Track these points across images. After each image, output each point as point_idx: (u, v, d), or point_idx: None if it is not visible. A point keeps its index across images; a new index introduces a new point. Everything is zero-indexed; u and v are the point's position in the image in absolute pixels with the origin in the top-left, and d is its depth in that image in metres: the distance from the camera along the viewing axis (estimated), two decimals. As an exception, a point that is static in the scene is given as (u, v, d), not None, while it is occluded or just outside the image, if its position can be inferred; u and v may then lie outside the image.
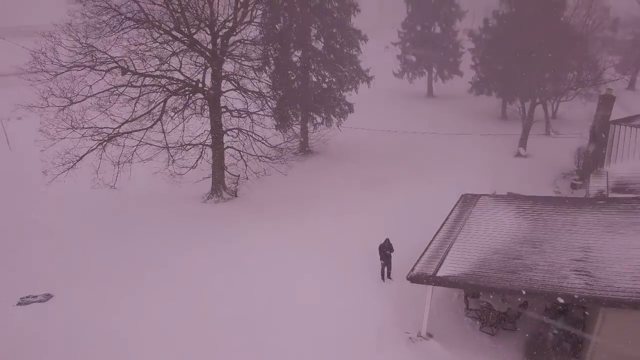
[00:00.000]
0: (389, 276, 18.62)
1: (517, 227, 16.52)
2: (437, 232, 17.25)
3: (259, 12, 26.55)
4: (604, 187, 20.08)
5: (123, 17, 21.48)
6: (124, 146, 22.91)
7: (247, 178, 26.43)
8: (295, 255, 20.34)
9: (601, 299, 12.04)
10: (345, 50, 31.00)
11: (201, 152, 25.07)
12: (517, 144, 33.05)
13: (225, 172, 26.32)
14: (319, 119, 31.97)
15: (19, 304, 17.28)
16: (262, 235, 22.08)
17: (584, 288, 12.46)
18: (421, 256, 15.74)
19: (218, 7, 23.72)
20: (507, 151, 33.10)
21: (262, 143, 26.17)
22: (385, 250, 18.24)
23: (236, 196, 26.36)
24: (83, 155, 22.02)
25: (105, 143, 22.42)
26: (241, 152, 25.60)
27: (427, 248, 16.24)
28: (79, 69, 21.32)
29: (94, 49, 21.37)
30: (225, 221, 23.53)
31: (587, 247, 14.40)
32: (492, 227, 16.86)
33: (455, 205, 19.34)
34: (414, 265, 15.20)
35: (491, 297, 15.60)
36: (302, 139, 32.48)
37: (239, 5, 23.72)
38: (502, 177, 27.46)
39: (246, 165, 25.86)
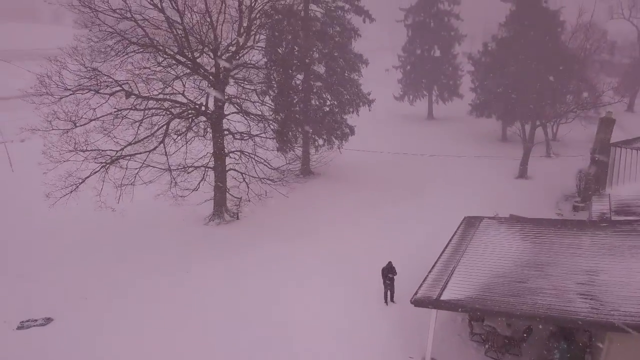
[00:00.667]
0: (392, 299, 18.46)
1: (520, 250, 16.45)
2: (440, 255, 17.17)
3: (262, 36, 26.95)
4: (607, 210, 20.05)
5: (128, 41, 21.78)
6: (126, 168, 22.98)
7: (249, 200, 26.44)
8: (297, 277, 20.21)
9: (607, 323, 11.92)
10: (346, 74, 31.38)
11: (203, 175, 25.16)
12: (519, 166, 33.12)
13: (227, 194, 26.35)
14: (320, 141, 32.15)
15: (18, 327, 17.11)
16: (263, 257, 21.97)
17: (590, 312, 12.35)
18: (425, 279, 15.64)
19: (222, 31, 24.07)
20: (508, 173, 33.16)
21: (265, 165, 26.27)
22: (388, 273, 18.12)
23: (238, 218, 26.33)
24: (86, 178, 22.06)
25: (108, 165, 22.48)
26: (243, 174, 25.68)
27: (430, 271, 16.15)
28: (84, 92, 21.51)
29: (99, 72, 21.60)
30: (226, 244, 23.46)
31: (592, 270, 14.31)
32: (495, 250, 16.79)
33: (458, 227, 19.29)
34: (418, 289, 15.08)
35: (496, 321, 15.45)
36: (303, 161, 32.60)
37: (242, 30, 24.08)
38: (504, 199, 27.45)
39: (248, 187, 25.91)
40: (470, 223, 19.44)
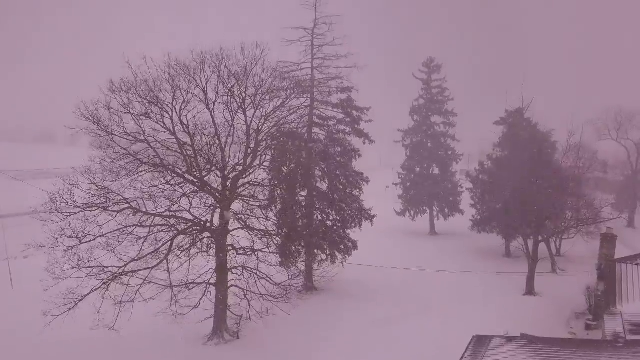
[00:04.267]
0: None
1: (534, 373, 15.61)
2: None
3: (268, 156, 28.29)
4: (621, 329, 19.41)
5: (140, 162, 22.87)
6: (127, 285, 22.72)
7: (249, 318, 25.67)
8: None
9: None
10: (348, 191, 32.34)
11: (205, 291, 24.75)
12: (525, 281, 32.57)
13: (228, 312, 25.67)
14: (323, 256, 32.08)
15: None
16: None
17: None
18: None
19: (229, 152, 25.36)
20: (515, 289, 32.51)
21: (267, 281, 25.95)
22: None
23: (238, 337, 25.35)
24: (86, 295, 21.70)
25: (109, 282, 22.26)
26: (245, 291, 25.26)
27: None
28: (92, 209, 22.08)
29: (109, 191, 22.34)
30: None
31: (612, 395, 13.47)
32: (508, 373, 15.93)
33: (468, 347, 18.47)
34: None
35: None
36: (306, 277, 32.21)
37: (249, 152, 25.37)
38: (512, 317, 26.61)
39: (249, 305, 25.31)
40: (480, 342, 18.64)
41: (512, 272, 35.08)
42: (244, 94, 24.82)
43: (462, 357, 17.74)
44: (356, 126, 33.39)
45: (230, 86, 24.27)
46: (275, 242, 27.47)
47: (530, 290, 32.20)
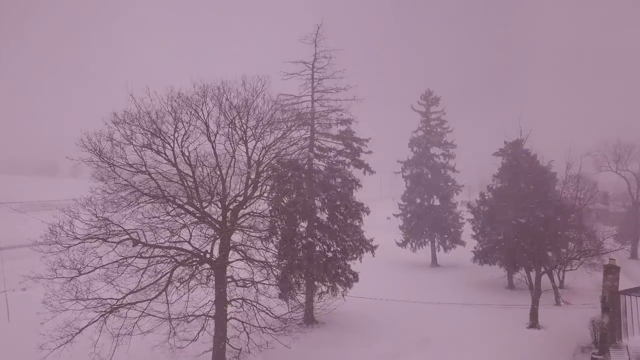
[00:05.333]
0: None
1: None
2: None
3: (268, 187, 28.36)
4: (627, 363, 19.04)
5: (140, 193, 22.94)
6: (125, 317, 22.41)
7: (249, 352, 25.22)
8: None
9: None
10: (348, 221, 32.25)
11: (203, 324, 24.39)
12: (529, 314, 32.09)
13: (227, 345, 25.21)
14: (324, 288, 31.74)
15: None
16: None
17: None
18: None
19: (230, 183, 25.46)
20: (519, 322, 32.00)
21: (266, 313, 25.61)
22: None
23: (236, 373, 24.84)
24: (83, 328, 21.38)
25: (107, 315, 21.98)
26: (244, 324, 24.90)
27: None
28: (92, 240, 22.00)
29: (110, 222, 22.32)
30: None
31: None
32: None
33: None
34: None
35: None
36: (307, 309, 31.78)
37: (250, 182, 25.48)
38: (517, 350, 26.22)
39: (248, 338, 24.91)
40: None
41: (515, 305, 34.60)
42: (245, 126, 25.12)
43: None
44: (356, 157, 33.61)
45: (231, 118, 24.58)
46: (275, 274, 27.26)
47: (534, 323, 31.70)
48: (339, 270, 31.71)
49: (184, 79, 24.84)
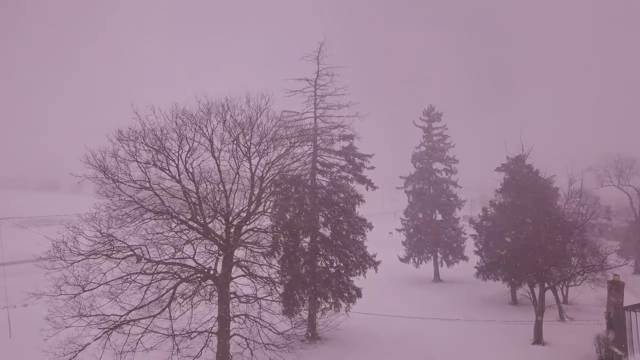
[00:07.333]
0: None
1: None
2: None
3: (271, 202, 28.45)
4: (633, 380, 18.85)
5: (145, 209, 23.03)
6: (128, 334, 22.34)
7: (252, 369, 25.05)
8: None
9: None
10: (351, 237, 32.23)
11: (206, 340, 24.29)
12: (533, 330, 31.84)
13: (230, 363, 25.08)
14: (327, 304, 31.58)
15: None
16: None
17: None
18: None
19: (234, 199, 25.55)
20: (523, 338, 31.75)
21: (269, 330, 25.49)
22: None
23: (240, 390, 24.65)
24: (86, 345, 21.33)
25: (110, 331, 21.92)
26: (247, 340, 24.78)
27: None
28: (96, 257, 22.02)
29: (114, 238, 22.37)
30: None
31: None
32: None
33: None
34: None
35: None
36: (310, 325, 31.60)
37: (253, 199, 25.57)
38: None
39: (252, 354, 24.76)
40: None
41: (519, 321, 34.35)
42: (249, 143, 25.31)
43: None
44: (359, 173, 33.70)
45: (235, 135, 24.79)
46: (278, 290, 27.19)
47: (538, 339, 31.43)
48: (342, 286, 31.61)
49: (188, 93, 25.21)
